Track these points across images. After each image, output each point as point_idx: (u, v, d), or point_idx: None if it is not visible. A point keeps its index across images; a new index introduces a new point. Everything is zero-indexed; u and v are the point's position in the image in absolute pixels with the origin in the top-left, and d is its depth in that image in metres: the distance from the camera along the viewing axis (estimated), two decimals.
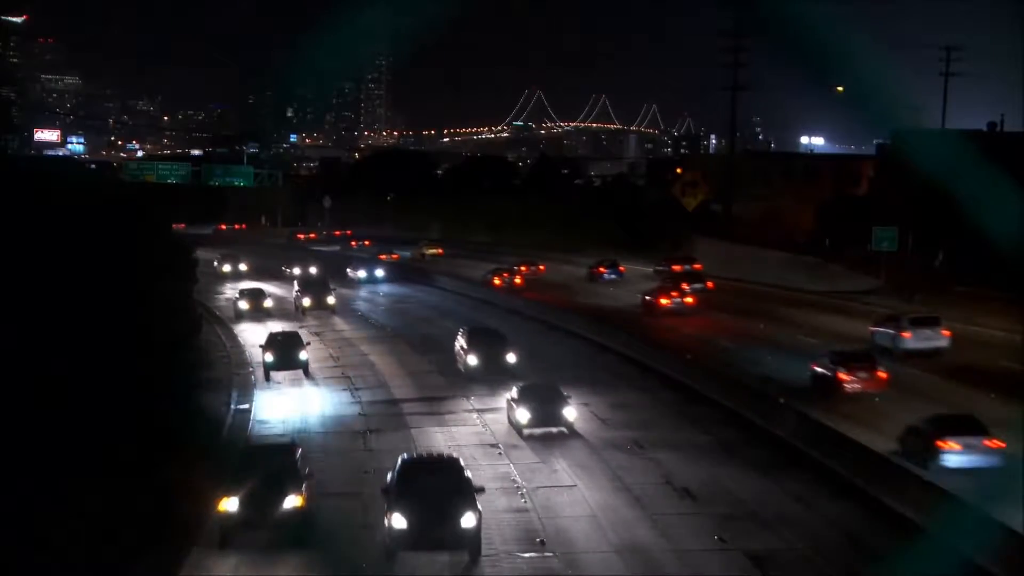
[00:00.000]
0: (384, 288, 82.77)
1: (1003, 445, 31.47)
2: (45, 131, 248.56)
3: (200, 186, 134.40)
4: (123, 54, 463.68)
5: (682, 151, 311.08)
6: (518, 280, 79.75)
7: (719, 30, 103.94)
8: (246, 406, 42.97)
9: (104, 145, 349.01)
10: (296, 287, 71.18)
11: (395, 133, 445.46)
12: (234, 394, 45.17)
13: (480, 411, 41.36)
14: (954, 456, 31.19)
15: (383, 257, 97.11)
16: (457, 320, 59.41)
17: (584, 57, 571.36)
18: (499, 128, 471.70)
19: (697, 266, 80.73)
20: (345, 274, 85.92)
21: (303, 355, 48.05)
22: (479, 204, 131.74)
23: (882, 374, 41.89)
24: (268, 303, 67.50)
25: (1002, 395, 39.31)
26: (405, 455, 28.50)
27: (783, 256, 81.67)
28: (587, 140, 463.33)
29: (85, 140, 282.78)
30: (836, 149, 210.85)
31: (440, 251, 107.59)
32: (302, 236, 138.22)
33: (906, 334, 48.86)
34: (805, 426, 34.58)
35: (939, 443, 31.47)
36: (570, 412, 37.46)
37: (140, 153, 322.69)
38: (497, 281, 79.02)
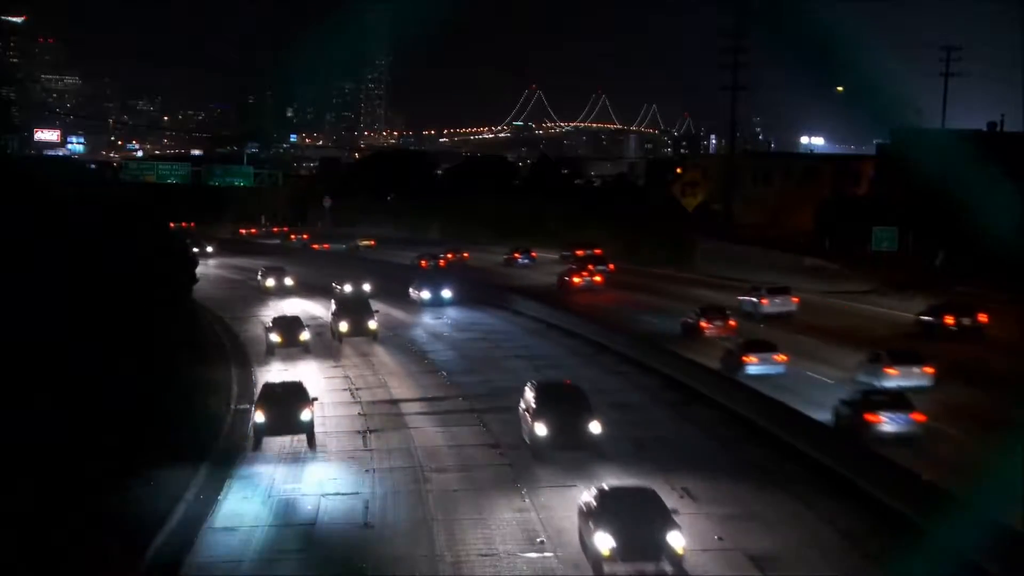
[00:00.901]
0: (452, 313, 66.98)
1: (786, 359, 44.84)
2: (45, 131, 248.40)
3: (200, 186, 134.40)
4: (123, 54, 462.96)
5: (682, 151, 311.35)
6: (441, 263, 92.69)
7: (719, 30, 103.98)
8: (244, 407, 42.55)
9: (104, 145, 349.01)
10: (332, 308, 59.62)
11: (395, 133, 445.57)
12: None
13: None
14: (753, 367, 44.01)
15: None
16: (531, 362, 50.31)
17: (584, 57, 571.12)
18: (499, 128, 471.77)
19: (598, 251, 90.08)
20: (407, 294, 71.30)
21: (306, 415, 36.12)
22: (479, 204, 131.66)
23: (732, 323, 53.89)
24: (305, 335, 54.15)
25: (834, 343, 50.81)
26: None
27: (783, 256, 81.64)
28: (587, 140, 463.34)
29: (85, 140, 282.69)
30: (836, 149, 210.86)
31: (373, 243, 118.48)
32: (294, 237, 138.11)
33: (764, 300, 59.59)
34: (670, 357, 46.70)
35: (743, 358, 44.30)
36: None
37: (140, 153, 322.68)
38: (424, 263, 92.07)
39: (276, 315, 58.79)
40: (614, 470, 31.69)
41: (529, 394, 35.01)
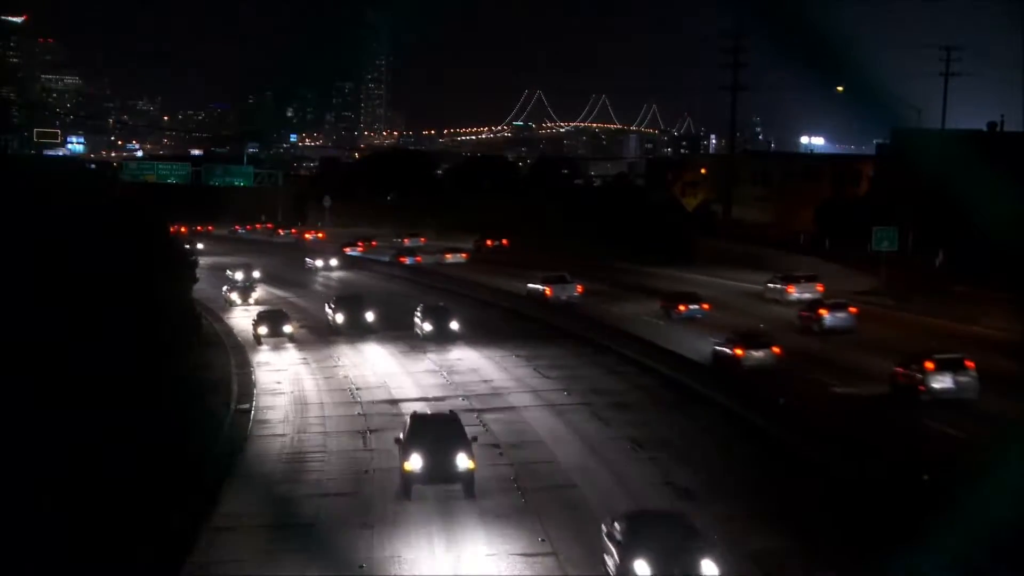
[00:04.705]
0: (456, 353, 53.87)
1: (708, 307, 60.63)
2: (45, 131, 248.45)
3: (200, 186, 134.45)
4: (123, 54, 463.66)
5: (682, 151, 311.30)
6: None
7: (719, 30, 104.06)
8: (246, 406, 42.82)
9: (104, 145, 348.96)
10: (329, 304, 63.23)
11: (395, 133, 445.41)
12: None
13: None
14: (680, 316, 60.01)
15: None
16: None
17: (584, 57, 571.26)
18: (499, 128, 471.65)
19: (505, 242, 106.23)
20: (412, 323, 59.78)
21: (464, 461, 30.27)
22: (478, 204, 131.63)
23: (706, 305, 61.57)
24: (288, 328, 58.41)
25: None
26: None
27: (783, 256, 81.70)
28: (587, 140, 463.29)
29: (85, 140, 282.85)
30: (836, 149, 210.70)
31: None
32: (309, 236, 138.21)
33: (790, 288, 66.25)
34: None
35: (677, 309, 60.71)
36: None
37: (140, 153, 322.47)
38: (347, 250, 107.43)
39: (262, 309, 63.78)
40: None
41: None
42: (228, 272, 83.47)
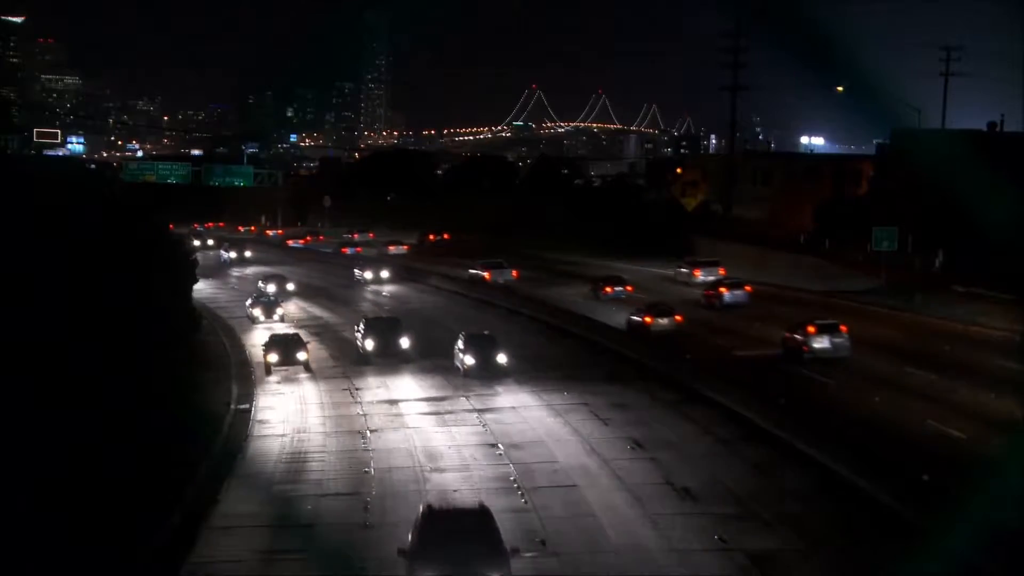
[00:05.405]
0: (504, 399, 43.59)
1: (632, 289, 69.42)
2: (45, 131, 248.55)
3: (200, 186, 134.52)
4: (123, 54, 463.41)
5: (682, 151, 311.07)
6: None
7: (719, 30, 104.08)
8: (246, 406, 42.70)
9: (104, 145, 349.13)
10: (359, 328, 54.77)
11: (395, 133, 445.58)
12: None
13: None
14: (607, 296, 68.11)
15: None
16: None
17: (584, 57, 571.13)
18: (499, 128, 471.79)
19: (447, 236, 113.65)
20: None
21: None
22: (478, 204, 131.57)
23: (630, 287, 69.71)
24: (302, 355, 50.22)
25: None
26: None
27: (783, 256, 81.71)
28: (587, 140, 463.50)
29: (85, 140, 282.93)
30: (836, 149, 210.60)
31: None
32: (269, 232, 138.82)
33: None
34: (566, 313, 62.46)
35: (604, 290, 69.15)
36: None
37: (140, 153, 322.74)
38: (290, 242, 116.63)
39: (272, 334, 54.36)
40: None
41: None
42: (260, 284, 77.97)
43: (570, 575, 24.90)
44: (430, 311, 68.23)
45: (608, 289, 69.58)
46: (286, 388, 46.89)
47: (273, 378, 48.71)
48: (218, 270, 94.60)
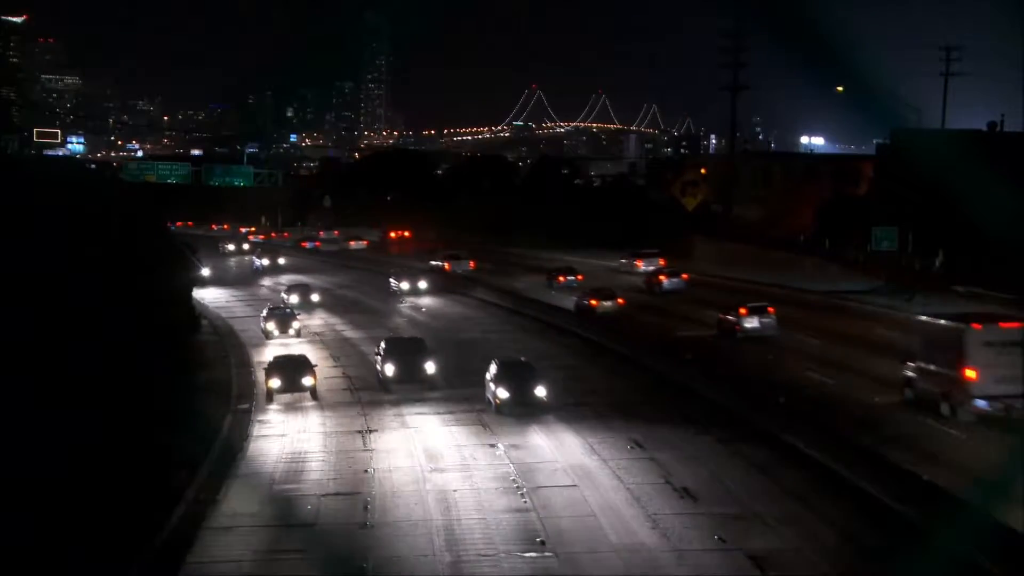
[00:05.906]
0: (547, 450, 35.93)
1: (582, 278, 77.48)
2: (45, 131, 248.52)
3: (200, 186, 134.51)
4: (123, 54, 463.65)
5: (682, 151, 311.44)
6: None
7: (719, 30, 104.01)
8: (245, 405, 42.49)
9: (104, 145, 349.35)
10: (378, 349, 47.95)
11: (395, 133, 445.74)
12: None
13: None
14: (560, 285, 76.31)
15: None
16: None
17: (584, 57, 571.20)
18: (499, 128, 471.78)
19: (407, 233, 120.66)
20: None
21: None
22: (478, 204, 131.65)
23: (580, 276, 77.53)
24: (308, 380, 43.59)
25: None
26: None
27: (784, 256, 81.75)
28: (587, 140, 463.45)
29: (85, 140, 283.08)
30: (836, 149, 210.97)
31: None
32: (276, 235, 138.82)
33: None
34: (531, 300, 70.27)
35: (558, 280, 77.43)
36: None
37: (140, 153, 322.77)
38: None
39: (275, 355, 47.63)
40: None
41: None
42: (283, 294, 73.27)
43: (570, 575, 24.87)
44: (471, 330, 61.58)
45: (561, 279, 77.86)
46: (281, 419, 40.83)
47: (273, 407, 42.68)
48: (250, 278, 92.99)
